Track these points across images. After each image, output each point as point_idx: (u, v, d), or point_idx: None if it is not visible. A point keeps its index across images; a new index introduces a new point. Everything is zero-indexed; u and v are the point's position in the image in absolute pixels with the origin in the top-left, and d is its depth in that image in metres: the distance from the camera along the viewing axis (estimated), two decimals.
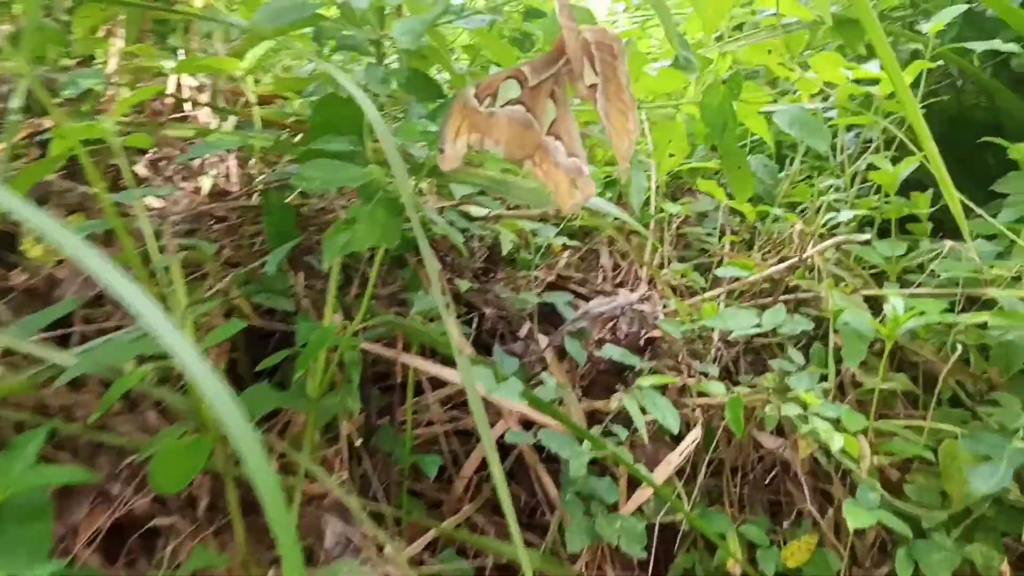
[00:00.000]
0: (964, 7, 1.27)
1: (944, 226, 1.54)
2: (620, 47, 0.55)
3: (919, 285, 1.20)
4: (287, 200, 1.08)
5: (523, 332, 1.19)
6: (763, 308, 1.32)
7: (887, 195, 1.31)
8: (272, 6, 0.66)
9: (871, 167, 1.37)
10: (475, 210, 1.12)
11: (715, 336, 1.21)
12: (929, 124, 0.63)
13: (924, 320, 0.99)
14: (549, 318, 1.24)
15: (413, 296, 1.01)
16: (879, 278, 1.31)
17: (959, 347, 1.07)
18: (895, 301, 1.00)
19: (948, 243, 1.20)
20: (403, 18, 0.62)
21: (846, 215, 1.15)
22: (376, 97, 0.84)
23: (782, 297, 1.28)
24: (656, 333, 1.14)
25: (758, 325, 1.10)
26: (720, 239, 1.41)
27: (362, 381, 0.97)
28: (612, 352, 1.10)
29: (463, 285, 1.18)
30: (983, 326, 1.02)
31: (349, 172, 0.72)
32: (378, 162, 0.80)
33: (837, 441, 0.90)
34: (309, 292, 1.13)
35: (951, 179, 0.66)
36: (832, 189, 1.34)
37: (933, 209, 1.33)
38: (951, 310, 1.09)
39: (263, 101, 1.08)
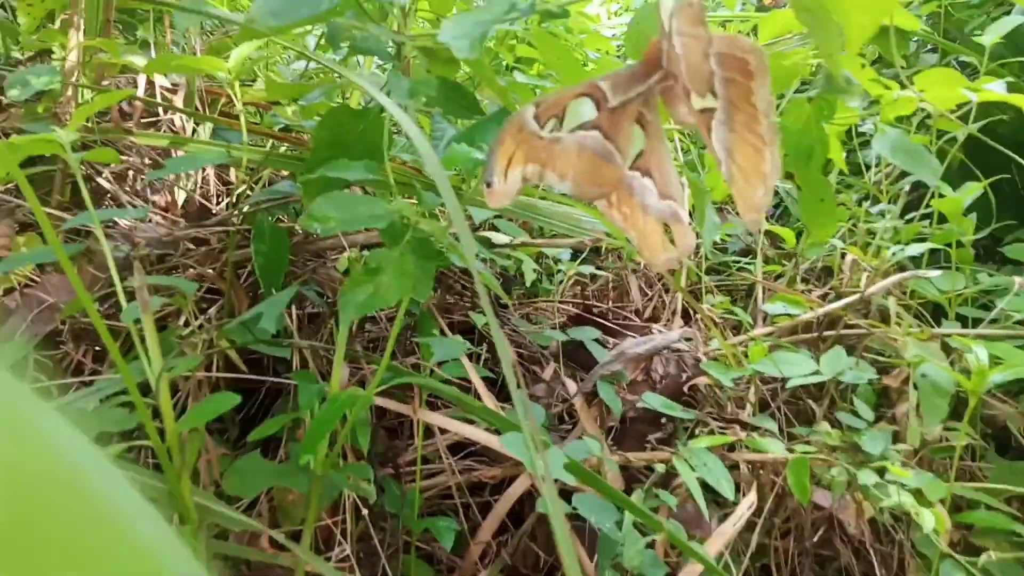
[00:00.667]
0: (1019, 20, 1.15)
1: (992, 254, 1.43)
2: (758, 62, 0.40)
3: (982, 324, 1.08)
4: (278, 222, 0.93)
5: (547, 373, 1.05)
6: (809, 347, 1.20)
7: (941, 222, 1.19)
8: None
9: (917, 189, 1.25)
10: (496, 236, 0.97)
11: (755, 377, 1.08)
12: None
13: (1013, 374, 0.86)
14: (574, 355, 1.10)
15: (425, 342, 0.86)
16: (935, 313, 1.19)
17: None
18: (979, 351, 0.87)
19: (1016, 279, 1.08)
20: (453, 17, 0.47)
21: (916, 248, 1.02)
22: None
23: (824, 333, 1.15)
24: (700, 379, 1.01)
25: (817, 372, 0.97)
26: (753, 263, 1.28)
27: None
28: (653, 401, 0.96)
29: (479, 319, 1.03)
30: None
31: (371, 208, 0.57)
32: (402, 194, 0.65)
33: (928, 521, 0.77)
34: (306, 331, 0.97)
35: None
36: (882, 214, 1.21)
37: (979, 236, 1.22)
38: None
39: (248, 107, 0.93)
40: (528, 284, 1.00)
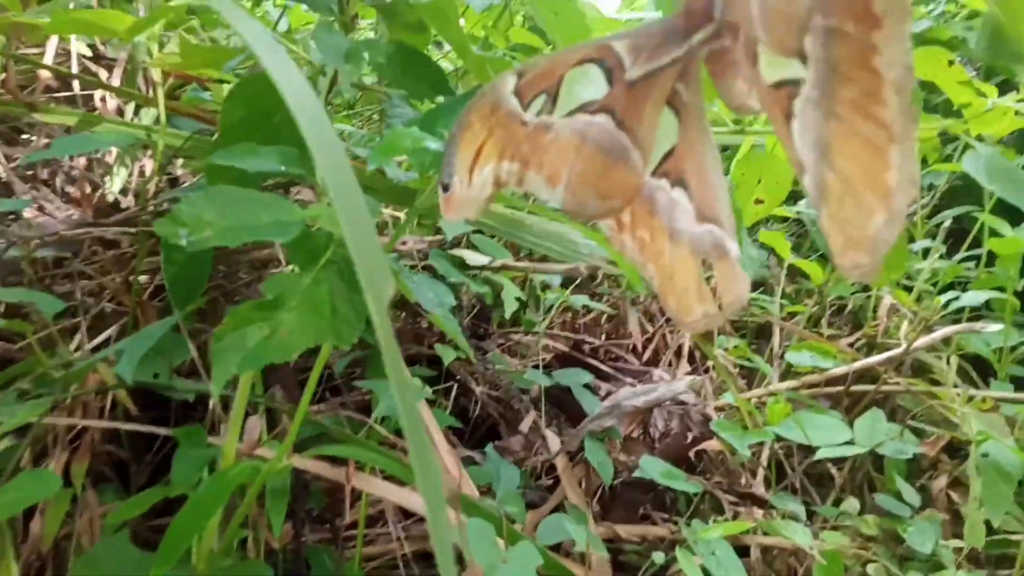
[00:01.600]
0: None
1: None
2: (894, 9, 0.23)
3: None
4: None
5: (526, 424, 0.87)
6: (832, 402, 1.03)
7: (988, 264, 1.02)
8: None
9: (962, 222, 1.08)
10: (471, 256, 0.80)
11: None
12: None
13: None
14: (560, 401, 0.93)
15: (376, 386, 0.68)
16: (979, 370, 1.02)
17: None
18: None
19: None
20: None
21: (973, 297, 0.85)
22: (330, 89, 0.51)
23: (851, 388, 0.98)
24: (710, 443, 0.83)
25: (851, 442, 0.80)
26: (768, 299, 1.11)
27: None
28: (652, 469, 0.78)
29: (447, 353, 0.85)
30: None
31: (273, 213, 0.39)
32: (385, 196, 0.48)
33: None
34: None
35: None
36: (923, 253, 1.04)
37: None
38: None
39: (177, 81, 0.75)
40: (508, 314, 0.83)
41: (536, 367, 0.97)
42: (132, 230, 0.72)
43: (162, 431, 0.61)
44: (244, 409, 0.50)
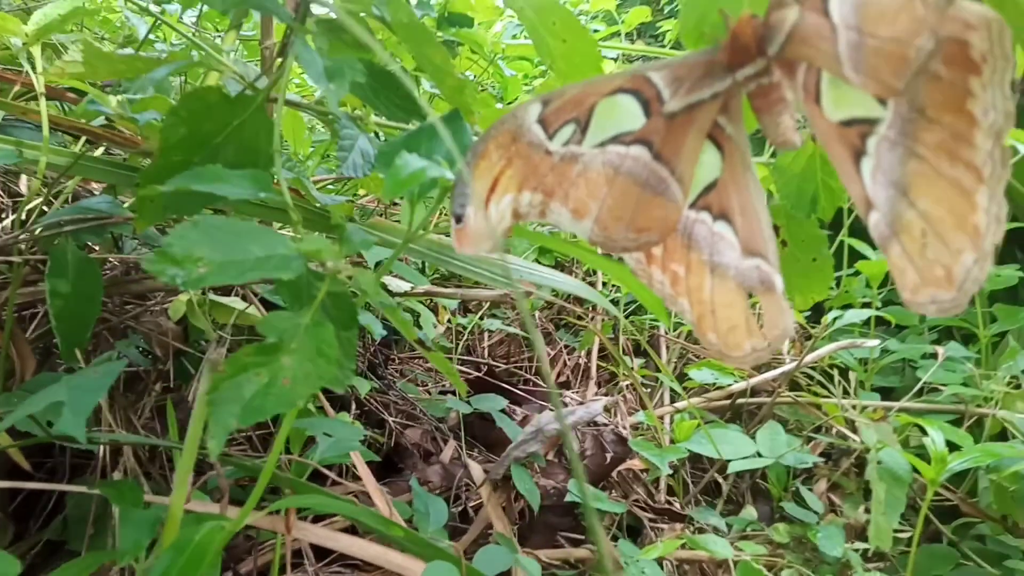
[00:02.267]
0: None
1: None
2: (992, 45, 0.24)
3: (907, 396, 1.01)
4: (87, 252, 0.66)
5: (447, 454, 0.84)
6: (722, 416, 1.08)
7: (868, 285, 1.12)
8: None
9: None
10: (394, 282, 0.76)
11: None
12: None
13: (973, 461, 0.77)
14: (476, 429, 0.90)
15: (304, 424, 0.63)
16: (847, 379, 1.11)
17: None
18: (935, 435, 0.78)
19: (938, 349, 1.02)
20: None
21: (856, 315, 0.93)
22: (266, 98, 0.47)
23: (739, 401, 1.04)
24: (632, 461, 0.84)
25: (758, 455, 0.84)
26: (672, 320, 1.15)
27: None
28: (578, 492, 0.78)
29: (363, 385, 0.81)
30: None
31: (269, 246, 0.35)
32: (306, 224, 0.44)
33: None
34: (120, 402, 0.71)
35: None
36: None
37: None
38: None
39: (53, 94, 0.66)
40: (430, 339, 0.80)
41: (444, 394, 0.94)
42: (8, 260, 0.62)
43: (63, 487, 0.53)
44: (193, 463, 0.44)
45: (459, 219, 0.36)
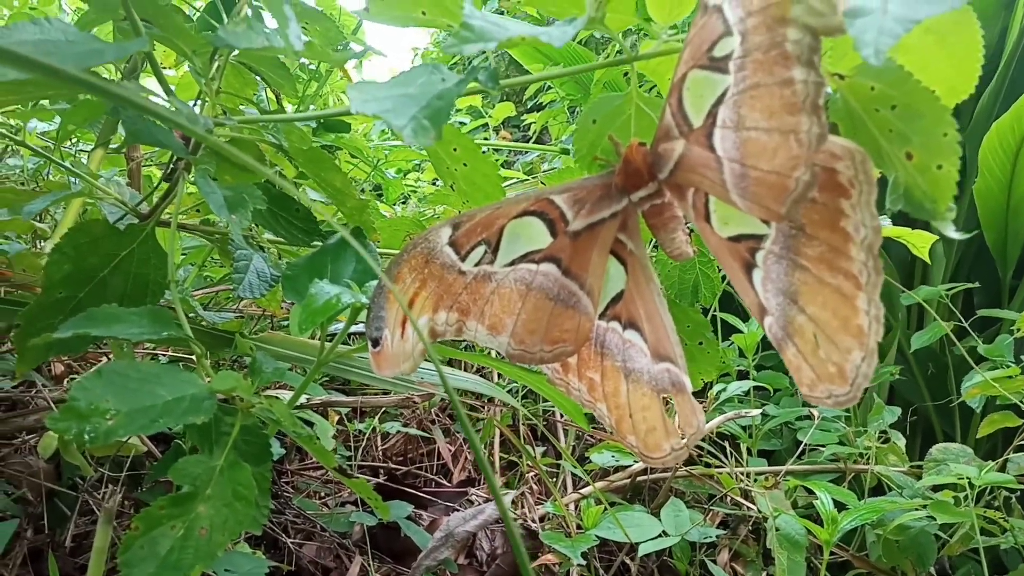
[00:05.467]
0: None
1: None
2: (856, 171, 0.28)
3: (792, 460, 1.07)
4: None
5: (353, 572, 0.80)
6: (631, 499, 1.10)
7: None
8: (16, 36, 0.28)
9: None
10: (286, 394, 0.74)
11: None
12: None
13: (859, 519, 0.83)
14: (381, 536, 0.87)
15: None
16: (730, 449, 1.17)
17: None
18: (823, 497, 0.83)
19: (813, 411, 1.09)
20: (358, 86, 0.28)
21: (738, 386, 0.98)
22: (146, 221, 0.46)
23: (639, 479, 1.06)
24: (548, 557, 0.83)
25: (664, 534, 0.86)
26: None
27: None
28: None
29: None
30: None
31: (178, 387, 0.33)
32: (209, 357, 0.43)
33: None
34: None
35: None
36: None
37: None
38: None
39: None
40: (327, 448, 0.77)
41: (343, 505, 0.91)
42: None
43: None
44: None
45: (375, 343, 0.36)
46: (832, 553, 0.93)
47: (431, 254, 0.36)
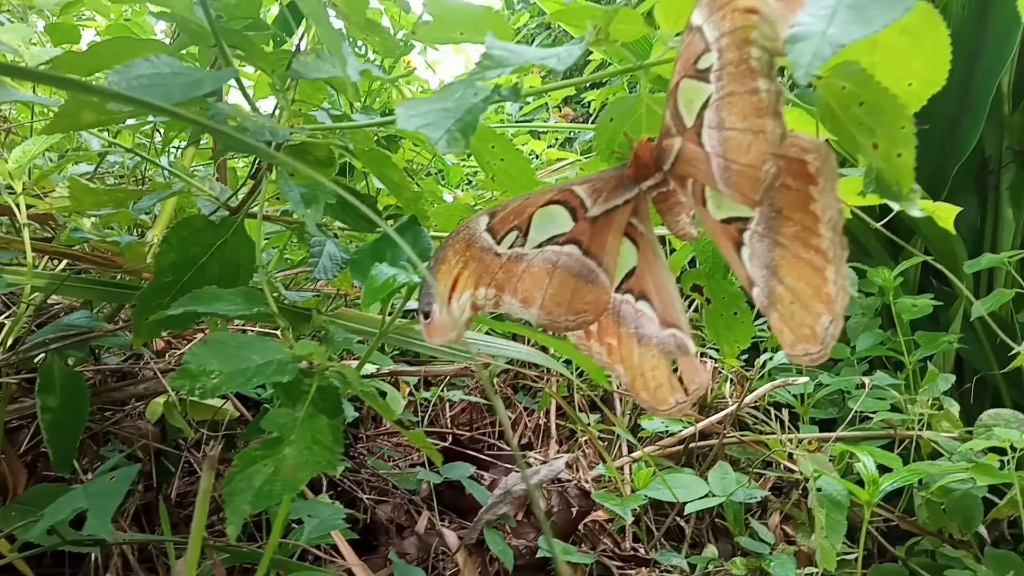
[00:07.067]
0: None
1: None
2: (822, 161, 0.33)
3: (842, 426, 1.10)
4: (74, 365, 0.70)
5: (421, 525, 0.89)
6: (677, 461, 1.15)
7: None
8: (135, 72, 0.35)
9: None
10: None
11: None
12: None
13: (901, 481, 0.86)
14: (448, 497, 0.95)
15: (298, 508, 0.67)
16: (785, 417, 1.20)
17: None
18: (866, 460, 0.86)
19: (863, 379, 1.12)
20: (406, 103, 0.35)
21: (784, 355, 1.02)
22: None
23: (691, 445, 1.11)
24: (597, 513, 0.90)
25: (710, 495, 0.91)
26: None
27: None
28: (550, 548, 0.83)
29: (337, 466, 0.85)
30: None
31: (267, 353, 0.41)
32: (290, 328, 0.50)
33: None
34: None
35: None
36: None
37: None
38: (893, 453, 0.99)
39: (40, 219, 0.71)
40: (396, 416, 0.85)
41: (413, 466, 0.99)
42: None
43: None
44: (199, 553, 0.48)
45: (427, 315, 0.43)
46: (879, 515, 0.96)
47: (472, 239, 0.42)
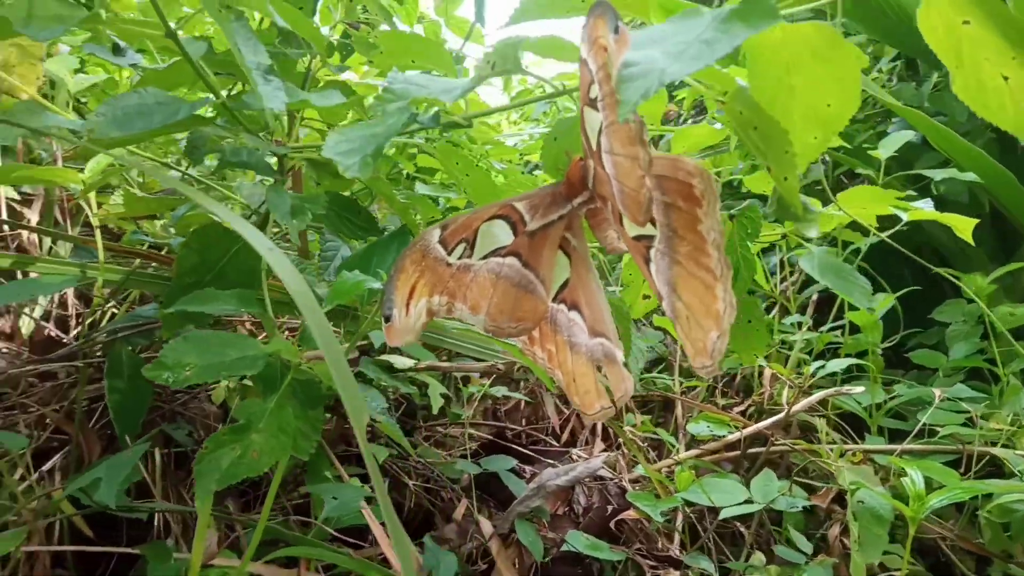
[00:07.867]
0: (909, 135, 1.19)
1: (897, 360, 1.43)
2: (705, 185, 0.34)
3: (908, 439, 1.05)
4: (139, 352, 0.80)
5: (459, 512, 0.93)
6: (732, 466, 1.13)
7: (852, 331, 1.17)
8: (122, 104, 0.42)
9: (826, 299, 1.25)
10: (398, 360, 0.87)
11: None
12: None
13: (951, 498, 0.81)
14: (489, 487, 0.99)
15: (316, 491, 0.74)
16: (854, 424, 1.15)
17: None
18: (914, 475, 0.83)
19: (936, 391, 1.06)
20: (341, 129, 0.39)
21: (838, 364, 0.99)
22: (277, 233, 0.59)
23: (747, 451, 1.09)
24: (628, 513, 0.91)
25: (749, 500, 0.90)
26: (666, 376, 1.22)
27: None
28: (577, 543, 0.86)
29: (380, 452, 0.91)
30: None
31: (241, 349, 0.46)
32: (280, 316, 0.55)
33: None
34: (171, 477, 0.83)
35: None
36: (794, 325, 1.19)
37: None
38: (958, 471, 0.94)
39: (120, 220, 0.81)
40: (435, 409, 0.90)
41: (464, 457, 1.04)
42: (74, 364, 0.76)
43: (120, 550, 0.65)
44: (207, 523, 0.55)
45: (388, 319, 0.47)
46: (932, 531, 0.91)
47: (426, 250, 0.46)
